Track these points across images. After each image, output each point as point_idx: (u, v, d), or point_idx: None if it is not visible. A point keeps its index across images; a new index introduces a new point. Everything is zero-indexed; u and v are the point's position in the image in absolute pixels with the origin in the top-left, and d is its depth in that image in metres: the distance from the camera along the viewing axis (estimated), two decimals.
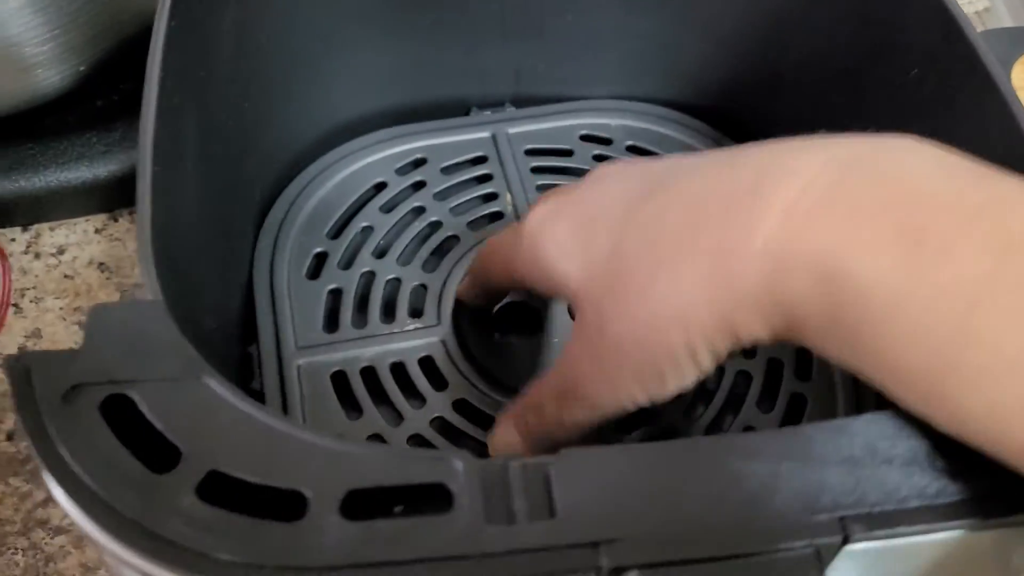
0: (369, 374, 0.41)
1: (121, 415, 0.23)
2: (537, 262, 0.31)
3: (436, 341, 0.41)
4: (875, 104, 0.39)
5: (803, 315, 0.25)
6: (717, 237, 0.26)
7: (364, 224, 0.45)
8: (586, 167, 0.47)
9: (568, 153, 0.48)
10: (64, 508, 0.22)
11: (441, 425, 0.39)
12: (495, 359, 0.41)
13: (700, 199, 0.27)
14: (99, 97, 0.49)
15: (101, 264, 0.46)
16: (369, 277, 0.44)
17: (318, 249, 0.44)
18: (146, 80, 0.31)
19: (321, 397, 0.39)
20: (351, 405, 0.40)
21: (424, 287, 0.43)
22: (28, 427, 0.23)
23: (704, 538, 0.22)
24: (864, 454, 0.23)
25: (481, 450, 0.38)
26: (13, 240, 0.47)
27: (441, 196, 0.46)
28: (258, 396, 0.39)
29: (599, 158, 0.48)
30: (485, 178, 0.47)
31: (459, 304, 0.42)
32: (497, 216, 0.46)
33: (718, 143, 0.48)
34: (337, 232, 0.45)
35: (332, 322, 0.42)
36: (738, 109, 0.48)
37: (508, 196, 0.46)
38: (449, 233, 0.45)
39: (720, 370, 0.41)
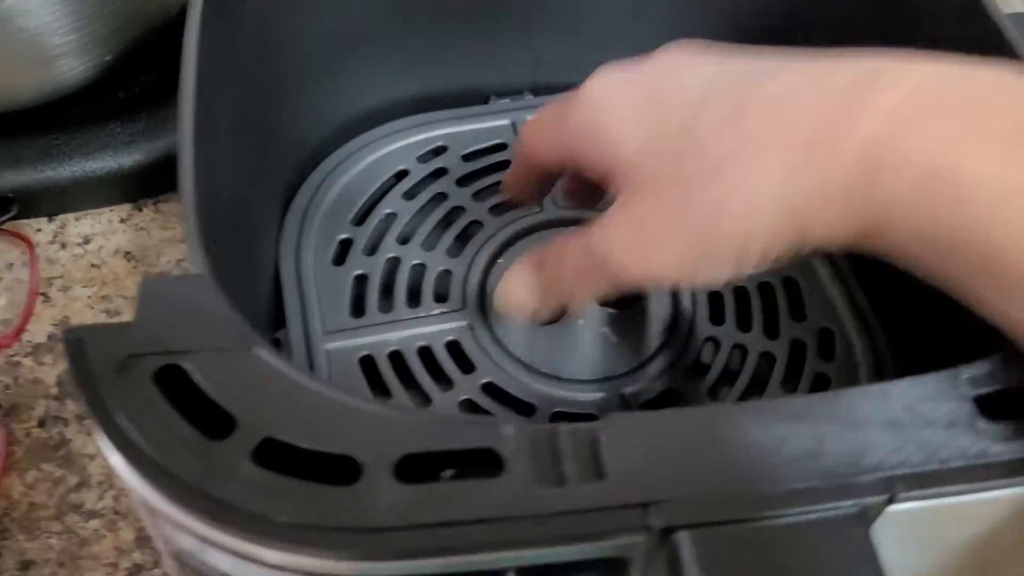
0: (396, 358, 0.41)
1: (174, 385, 0.24)
2: (592, 127, 0.30)
3: (462, 325, 0.42)
4: None
5: (895, 216, 0.24)
6: (809, 131, 0.25)
7: (387, 211, 0.46)
8: None
9: None
10: (122, 476, 0.23)
11: (469, 407, 0.40)
12: (521, 342, 0.41)
13: (792, 94, 0.26)
14: (121, 89, 0.49)
15: (127, 253, 0.46)
16: (394, 263, 0.44)
17: (342, 235, 0.45)
18: (183, 63, 0.31)
19: (350, 381, 0.40)
20: (380, 388, 0.40)
21: (449, 272, 0.44)
22: (85, 397, 0.23)
23: (751, 498, 0.23)
24: (906, 416, 0.24)
25: None
26: (39, 230, 0.47)
27: (463, 183, 0.47)
28: None
29: None
30: (506, 164, 0.47)
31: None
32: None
33: None
34: (361, 219, 0.45)
35: (358, 307, 0.43)
36: None
37: None
38: (472, 219, 0.45)
39: (743, 352, 0.41)
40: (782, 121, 0.26)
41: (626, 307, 0.43)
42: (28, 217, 0.47)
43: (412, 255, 0.44)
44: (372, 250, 0.44)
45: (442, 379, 0.40)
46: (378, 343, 0.41)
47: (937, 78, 0.25)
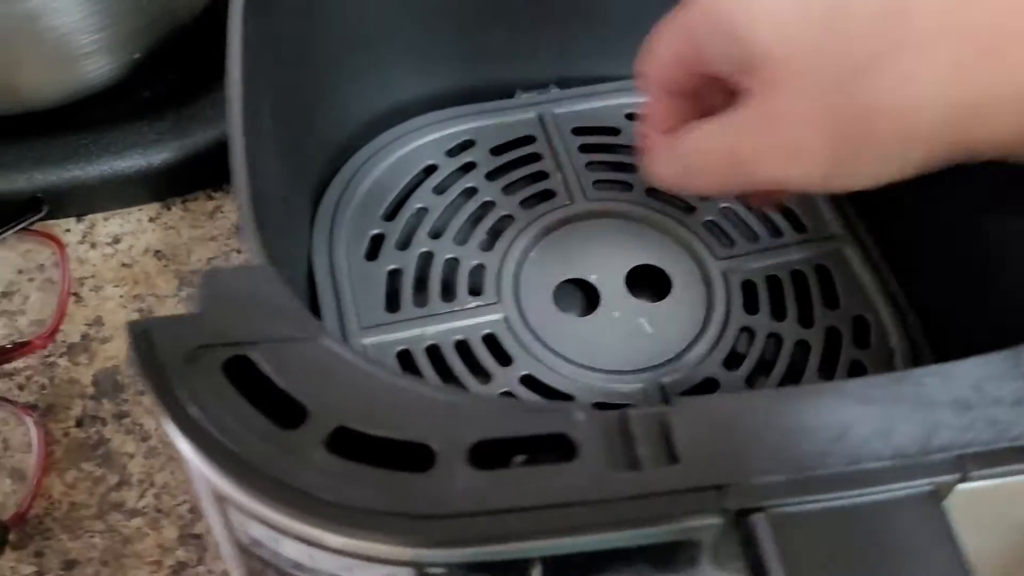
0: (433, 352, 0.41)
1: (241, 376, 0.24)
2: (716, 18, 0.28)
3: (498, 318, 0.42)
4: None
5: None
6: (982, 29, 0.24)
7: (418, 205, 0.46)
8: (634, 145, 0.48)
9: (615, 132, 0.49)
10: (195, 467, 0.22)
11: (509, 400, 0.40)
12: (558, 335, 0.41)
13: None
14: (146, 87, 0.49)
15: (157, 252, 0.46)
16: (427, 257, 0.44)
17: (374, 231, 0.45)
18: (228, 63, 0.31)
19: None
20: None
21: (482, 266, 0.44)
22: (155, 389, 0.23)
23: (824, 479, 0.23)
24: (973, 396, 0.24)
25: None
26: (68, 231, 0.47)
27: (492, 177, 0.47)
28: None
29: None
30: (534, 157, 0.48)
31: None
32: (549, 195, 0.46)
33: None
34: (392, 213, 0.45)
35: (392, 302, 0.43)
36: None
37: (559, 175, 0.47)
38: (503, 213, 0.45)
39: (778, 341, 0.41)
40: (951, 17, 0.24)
41: (660, 298, 0.43)
42: (56, 217, 0.47)
43: (445, 249, 0.44)
44: (404, 245, 0.44)
45: (480, 372, 0.41)
46: (415, 337, 0.41)
47: None
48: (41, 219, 0.46)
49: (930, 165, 0.26)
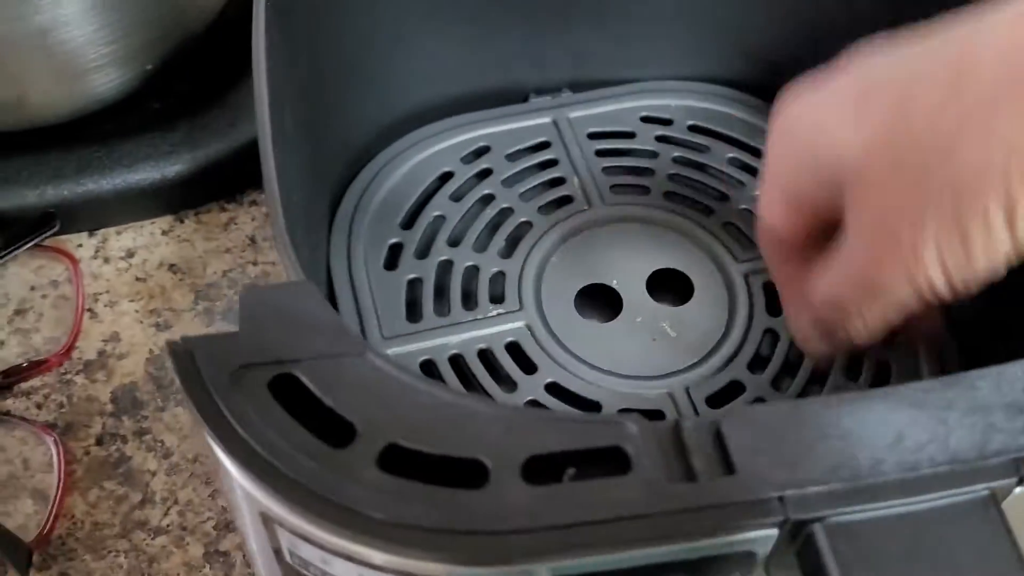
0: (457, 361, 0.41)
1: (286, 394, 0.23)
2: (806, 150, 0.29)
3: (520, 326, 0.42)
4: None
5: None
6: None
7: (436, 213, 0.45)
8: (650, 148, 0.48)
9: (630, 135, 0.48)
10: (244, 487, 0.22)
11: (535, 408, 0.39)
12: (582, 341, 0.41)
13: (1010, 51, 0.25)
14: (156, 100, 0.49)
15: (172, 265, 0.46)
16: (446, 265, 0.44)
17: (392, 240, 0.44)
18: (255, 74, 0.31)
19: None
20: None
21: (502, 273, 0.43)
22: (200, 409, 0.23)
23: (881, 486, 0.22)
24: None
25: None
26: (80, 246, 0.46)
27: (509, 183, 0.47)
28: None
29: (661, 139, 0.48)
30: (551, 163, 0.47)
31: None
32: (567, 200, 0.46)
33: None
34: (409, 222, 0.45)
35: (413, 311, 0.42)
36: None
37: (576, 180, 0.46)
38: (521, 219, 0.45)
39: None
40: (998, 81, 0.24)
41: (683, 301, 0.43)
42: (68, 232, 0.46)
43: (464, 257, 0.44)
44: (423, 253, 0.44)
45: (505, 381, 0.40)
46: (438, 347, 0.41)
47: None
48: (53, 234, 0.45)
49: None
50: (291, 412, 0.23)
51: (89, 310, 0.44)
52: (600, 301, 0.43)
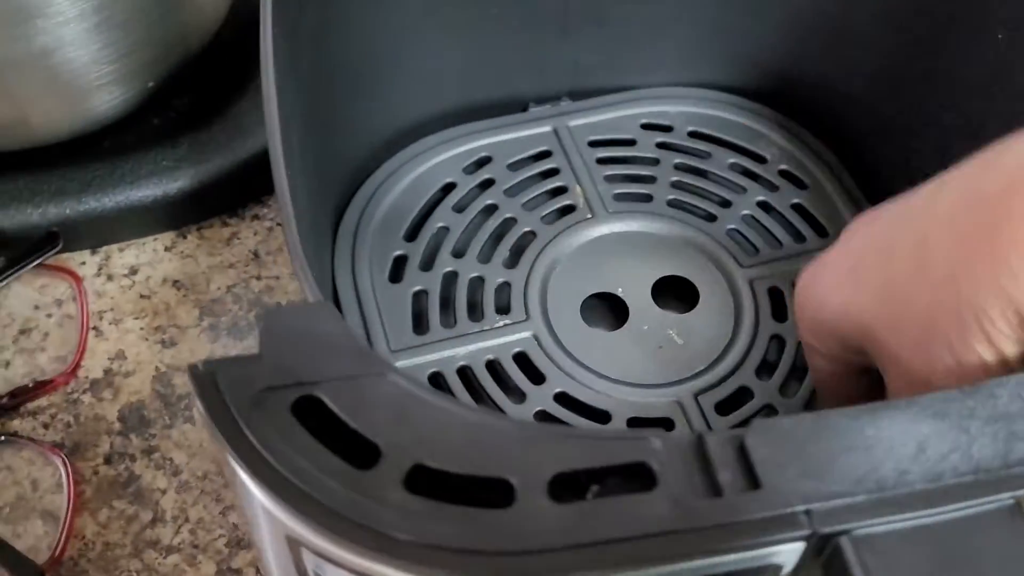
0: (465, 373, 0.41)
1: (309, 416, 0.23)
2: (831, 315, 0.32)
3: (527, 336, 0.42)
4: (953, 72, 0.40)
5: None
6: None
7: (439, 225, 0.45)
8: (651, 155, 0.48)
9: (631, 143, 0.48)
10: (270, 510, 0.22)
11: (544, 418, 0.39)
12: (589, 350, 0.41)
13: (958, 208, 0.28)
14: (154, 115, 0.49)
15: (176, 282, 0.46)
16: (451, 277, 0.44)
17: (397, 252, 0.44)
18: (263, 87, 0.31)
19: None
20: None
21: (508, 284, 0.43)
22: (223, 432, 0.22)
23: (906, 497, 0.22)
24: None
25: None
26: (83, 263, 0.46)
27: (511, 193, 0.47)
28: None
29: (662, 145, 0.48)
30: (552, 172, 0.47)
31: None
32: (570, 209, 0.46)
33: (779, 125, 0.49)
34: (412, 234, 0.45)
35: (420, 324, 0.42)
36: (797, 89, 0.48)
37: (578, 188, 0.46)
38: (525, 229, 0.45)
39: None
40: (957, 239, 0.28)
41: (688, 308, 0.43)
42: (71, 250, 0.46)
43: (469, 268, 0.44)
44: (428, 265, 0.44)
45: (513, 392, 0.40)
46: (445, 359, 0.41)
47: None
48: (56, 253, 0.45)
49: None
50: (314, 434, 0.23)
51: (94, 328, 0.44)
52: (606, 309, 0.43)
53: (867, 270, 0.30)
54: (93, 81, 0.42)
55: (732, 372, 0.41)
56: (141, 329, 0.44)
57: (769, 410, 0.40)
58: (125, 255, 0.47)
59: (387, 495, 0.22)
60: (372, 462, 0.22)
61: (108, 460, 0.40)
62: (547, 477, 0.22)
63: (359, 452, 0.23)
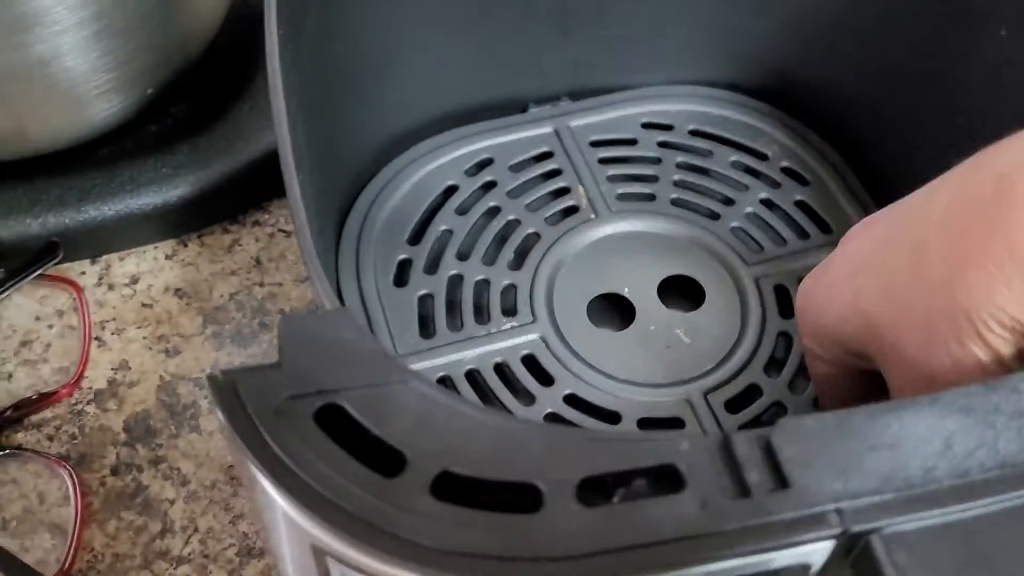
0: (474, 377, 0.40)
1: (332, 424, 0.23)
2: (836, 315, 0.32)
3: (535, 338, 0.41)
4: (956, 71, 0.40)
5: None
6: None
7: (443, 228, 0.45)
8: (653, 154, 0.48)
9: (632, 142, 0.48)
10: (295, 520, 0.22)
11: (554, 421, 0.39)
12: (597, 351, 0.41)
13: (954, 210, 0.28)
14: (152, 123, 0.48)
15: (178, 290, 0.45)
16: (456, 280, 0.43)
17: (401, 256, 0.44)
18: (272, 95, 0.31)
19: None
20: None
21: (513, 286, 0.43)
22: (246, 442, 0.22)
23: (934, 494, 0.22)
24: None
25: None
26: (83, 273, 0.46)
27: (514, 194, 0.46)
28: None
29: (663, 144, 0.48)
30: (555, 173, 0.47)
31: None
32: (573, 210, 0.46)
33: (781, 123, 0.49)
34: (416, 237, 0.45)
35: (426, 328, 0.42)
36: (799, 88, 0.48)
37: (581, 189, 0.46)
38: (529, 231, 0.45)
39: None
40: (952, 242, 0.28)
41: (695, 307, 0.43)
42: (71, 260, 0.46)
43: (474, 271, 0.44)
44: (432, 269, 0.44)
45: (523, 394, 0.40)
46: (453, 363, 0.41)
47: None
48: (56, 263, 0.45)
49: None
50: (338, 442, 0.23)
51: (96, 338, 0.44)
52: (612, 310, 0.43)
53: (867, 275, 0.31)
54: (92, 89, 0.42)
55: (740, 370, 0.41)
56: (144, 338, 0.44)
57: (779, 407, 0.40)
58: (126, 264, 0.46)
59: (414, 502, 0.22)
60: (397, 470, 0.22)
61: (115, 471, 0.40)
62: (575, 481, 0.22)
63: (383, 460, 0.23)
